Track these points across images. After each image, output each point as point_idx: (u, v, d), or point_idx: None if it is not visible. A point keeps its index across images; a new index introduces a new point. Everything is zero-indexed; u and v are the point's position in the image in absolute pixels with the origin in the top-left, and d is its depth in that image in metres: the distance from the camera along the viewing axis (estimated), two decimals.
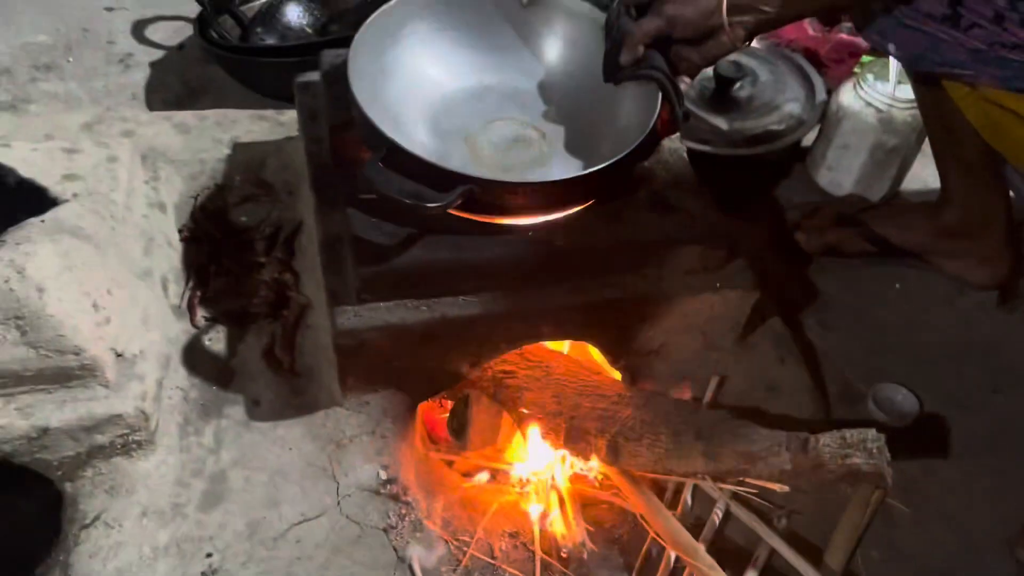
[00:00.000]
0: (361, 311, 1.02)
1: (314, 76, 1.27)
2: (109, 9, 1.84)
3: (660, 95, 1.04)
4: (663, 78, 1.01)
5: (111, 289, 1.01)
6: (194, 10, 1.63)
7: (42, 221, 0.99)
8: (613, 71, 1.05)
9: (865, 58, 1.62)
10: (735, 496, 1.08)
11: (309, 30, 1.71)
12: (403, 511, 1.02)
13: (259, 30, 1.65)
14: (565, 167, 1.13)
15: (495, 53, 1.23)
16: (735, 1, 0.92)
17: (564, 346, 1.22)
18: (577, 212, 1.07)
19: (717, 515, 1.07)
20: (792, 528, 1.08)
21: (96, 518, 0.99)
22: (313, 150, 1.19)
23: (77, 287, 0.96)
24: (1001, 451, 1.22)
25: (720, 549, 1.05)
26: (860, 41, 1.65)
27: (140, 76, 1.69)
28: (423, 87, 1.19)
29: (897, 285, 1.42)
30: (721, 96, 1.58)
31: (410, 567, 0.99)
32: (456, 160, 1.14)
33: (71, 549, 0.97)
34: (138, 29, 1.79)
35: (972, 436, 1.23)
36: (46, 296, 0.92)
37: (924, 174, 1.59)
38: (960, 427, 1.24)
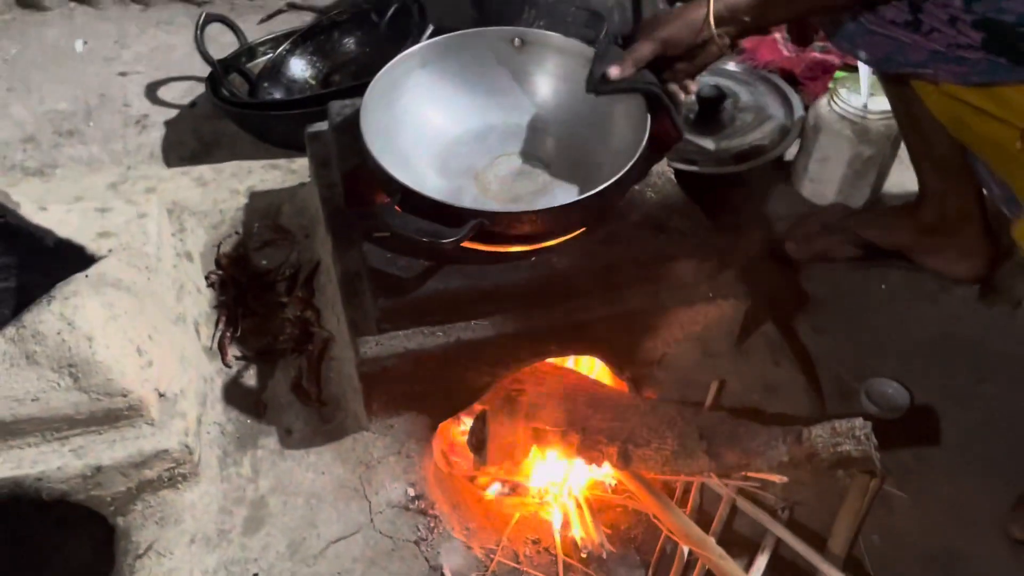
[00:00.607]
0: (382, 340, 1.10)
1: (323, 126, 1.37)
2: (123, 74, 1.95)
3: (649, 116, 1.13)
4: (657, 89, 1.10)
5: (151, 335, 1.09)
6: (202, 70, 1.74)
7: (86, 276, 1.07)
8: (598, 84, 1.13)
9: (838, 74, 1.72)
10: (740, 491, 1.15)
11: (312, 81, 1.82)
12: (432, 524, 1.10)
13: (266, 84, 1.75)
14: (568, 192, 1.22)
15: (494, 95, 1.32)
16: (719, 15, 1.02)
17: (571, 361, 1.29)
18: (577, 236, 1.16)
19: (724, 510, 1.14)
20: (795, 518, 1.14)
21: (148, 548, 1.06)
22: (327, 195, 1.29)
23: (122, 335, 1.04)
24: (989, 438, 1.28)
25: (729, 541, 1.11)
26: (832, 59, 1.75)
27: (156, 135, 1.79)
28: (430, 133, 1.28)
29: (883, 286, 1.50)
30: (705, 118, 1.68)
31: (441, 574, 1.06)
32: (467, 196, 1.22)
33: None
34: (151, 91, 1.90)
35: (961, 425, 1.30)
36: (95, 344, 1.00)
37: (903, 179, 1.67)
38: (950, 417, 1.31)
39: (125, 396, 1.03)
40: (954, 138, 1.24)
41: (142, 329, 1.08)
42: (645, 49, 1.08)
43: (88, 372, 1.00)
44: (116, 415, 1.05)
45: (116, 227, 1.22)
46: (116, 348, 1.02)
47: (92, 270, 1.09)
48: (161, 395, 1.09)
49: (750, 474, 1.08)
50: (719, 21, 1.03)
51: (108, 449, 1.04)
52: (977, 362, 1.39)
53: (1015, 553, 1.15)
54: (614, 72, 1.10)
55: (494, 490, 1.23)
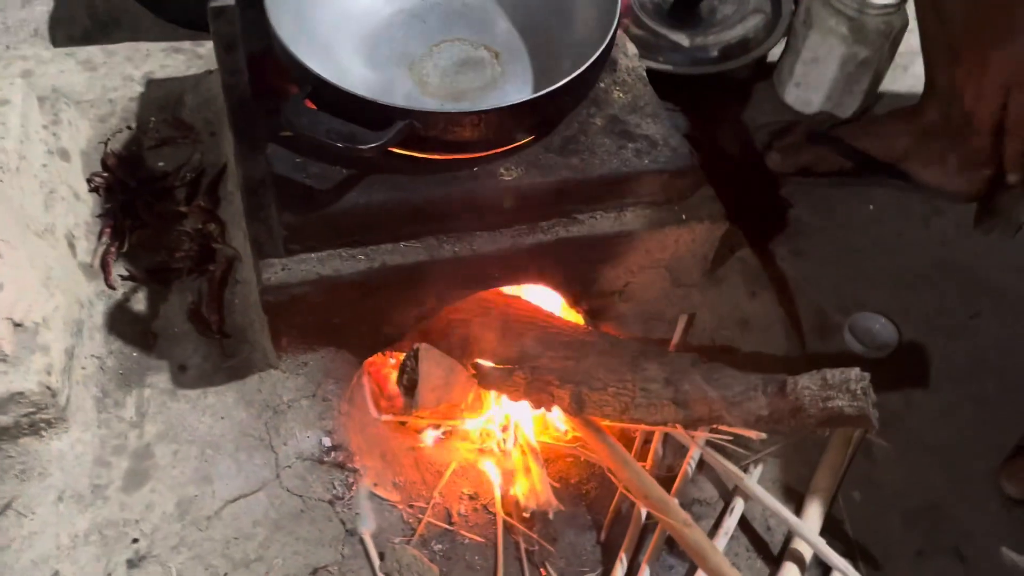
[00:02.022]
0: (290, 263, 0.91)
1: (228, 0, 1.14)
2: None
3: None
4: None
5: (2, 251, 0.89)
6: None
7: None
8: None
9: None
10: (708, 443, 1.00)
11: None
12: (350, 480, 0.94)
13: None
14: (521, 88, 1.03)
15: None
16: None
17: (521, 289, 1.12)
18: (529, 143, 0.97)
19: (690, 465, 1.00)
20: (769, 473, 1.01)
21: (6, 506, 0.89)
22: (230, 83, 1.07)
23: None
24: (983, 377, 1.16)
25: (694, 500, 0.98)
26: None
27: (43, 9, 1.53)
28: (356, 11, 1.08)
29: (870, 207, 1.35)
30: (680, 10, 1.47)
31: (360, 540, 0.90)
32: (399, 91, 1.03)
33: None
34: None
35: (953, 364, 1.17)
36: None
37: (897, 88, 1.50)
38: (940, 355, 1.18)
39: None
40: None
41: None
42: None
43: None
44: None
45: None
46: None
47: None
48: (16, 325, 0.90)
49: (722, 427, 0.94)
50: None
51: None
52: (970, 293, 1.26)
53: (1007, 510, 1.04)
54: None
55: (429, 436, 1.07)
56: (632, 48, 1.12)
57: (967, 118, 1.24)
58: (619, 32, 1.00)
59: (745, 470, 0.99)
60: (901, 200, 1.35)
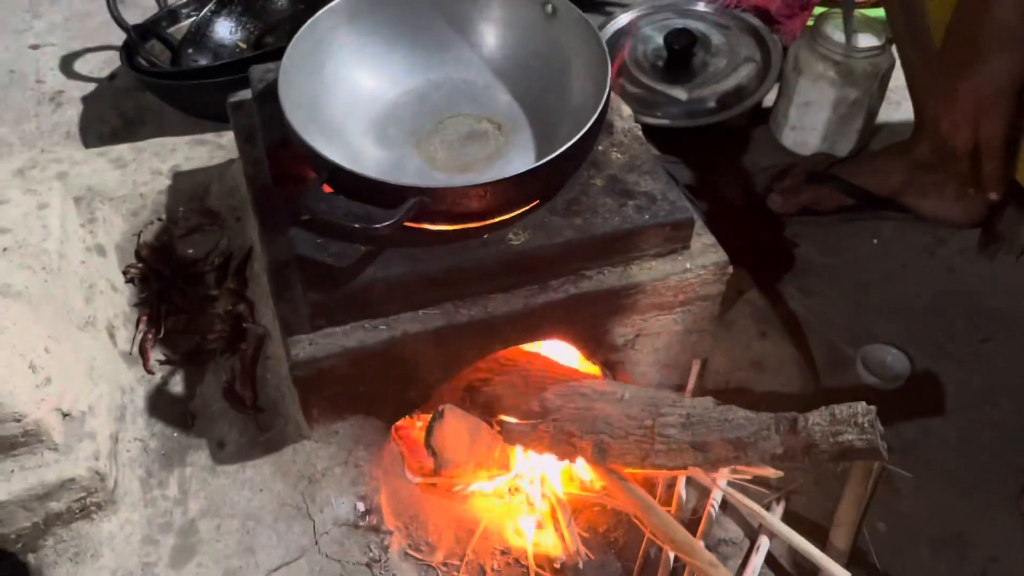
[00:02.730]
0: (316, 338, 0.96)
1: (246, 95, 1.22)
2: (35, 47, 1.77)
3: (610, 66, 1.01)
4: None
5: (49, 347, 0.95)
6: (121, 38, 1.56)
7: None
8: None
9: (817, 10, 1.58)
10: (730, 484, 1.03)
11: (243, 45, 1.65)
12: (385, 542, 0.97)
13: (190, 51, 1.59)
14: (525, 156, 1.08)
15: (435, 50, 1.18)
16: None
17: (540, 346, 1.16)
18: (535, 207, 1.02)
19: (713, 507, 1.02)
20: (792, 510, 1.03)
21: None
22: (252, 172, 1.14)
23: (10, 350, 0.90)
24: (998, 401, 1.18)
25: (720, 541, 1.00)
26: None
27: (73, 113, 1.63)
28: (364, 97, 1.14)
29: (875, 241, 1.38)
30: (675, 65, 1.54)
31: None
32: (410, 168, 1.08)
33: None
34: (66, 64, 1.73)
35: (967, 390, 1.19)
36: None
37: (891, 124, 1.55)
38: (954, 382, 1.20)
39: (18, 421, 0.89)
40: None
41: (36, 341, 0.93)
42: None
43: None
44: (11, 442, 0.90)
45: (12, 222, 1.07)
46: (3, 367, 0.88)
47: None
48: (65, 415, 0.95)
49: (741, 468, 0.96)
50: None
51: (4, 482, 0.90)
52: (979, 319, 1.28)
53: None
54: None
55: (460, 495, 1.10)
56: (627, 109, 1.18)
57: (948, 146, 1.28)
58: (613, 95, 1.05)
59: (768, 508, 1.02)
60: (905, 232, 1.39)
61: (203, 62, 1.59)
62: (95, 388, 1.00)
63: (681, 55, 1.52)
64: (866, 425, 0.87)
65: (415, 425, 1.15)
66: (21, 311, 0.94)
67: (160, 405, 1.09)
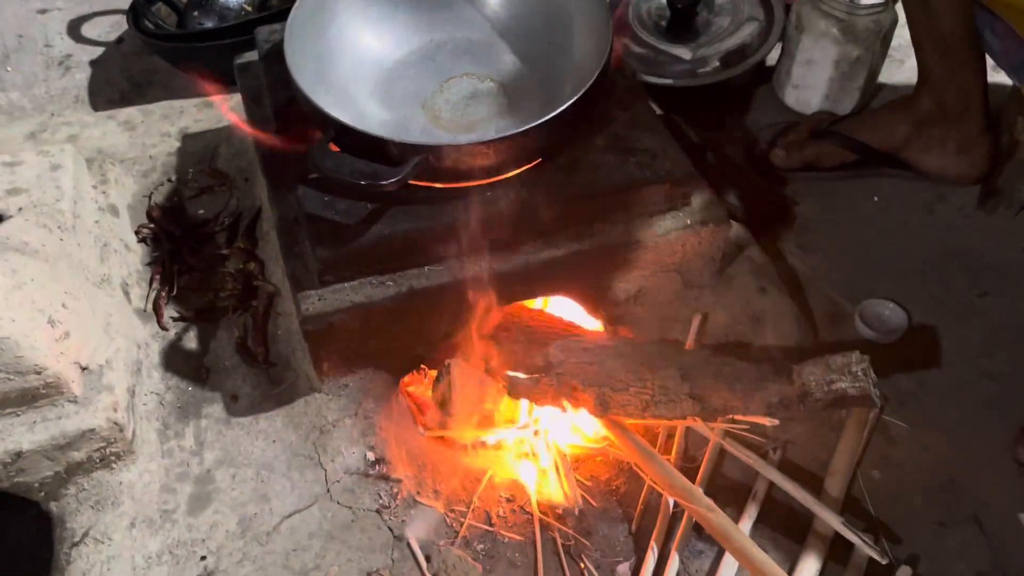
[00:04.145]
0: (325, 294, 0.99)
1: (252, 56, 1.24)
2: (42, 11, 1.78)
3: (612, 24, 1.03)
4: None
5: (66, 302, 0.98)
6: (127, 1, 1.57)
7: None
8: None
9: None
10: (728, 434, 1.06)
11: (248, 7, 1.66)
12: (394, 490, 1.01)
13: (196, 14, 1.60)
14: (528, 114, 1.10)
15: (439, 9, 1.20)
16: None
17: (540, 302, 1.19)
18: (538, 165, 1.04)
19: (711, 456, 1.05)
20: (789, 459, 1.06)
21: (85, 534, 0.97)
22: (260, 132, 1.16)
23: (29, 305, 0.93)
24: (994, 354, 1.20)
25: (717, 488, 1.03)
26: None
27: (82, 77, 1.64)
28: (370, 57, 1.16)
29: (875, 198, 1.40)
30: (679, 25, 1.54)
31: (408, 544, 0.97)
32: (415, 127, 1.10)
33: (64, 568, 0.95)
34: (74, 28, 1.73)
35: (964, 343, 1.21)
36: None
37: (893, 82, 1.55)
38: (951, 335, 1.22)
39: (39, 373, 0.92)
40: (961, 11, 1.14)
41: (54, 297, 0.96)
42: None
43: None
44: (32, 394, 0.94)
45: (27, 182, 1.09)
46: (23, 321, 0.91)
47: None
48: (83, 368, 0.98)
49: (738, 417, 0.99)
50: None
51: (28, 432, 0.94)
52: (977, 274, 1.29)
53: (1023, 479, 1.08)
54: None
55: (466, 446, 1.13)
56: (630, 67, 1.19)
57: (960, 100, 1.29)
58: (615, 54, 1.07)
59: (764, 457, 1.05)
60: (905, 189, 1.40)
61: (209, 24, 1.60)
62: (112, 343, 1.03)
63: (684, 14, 1.52)
64: (859, 373, 0.89)
65: (422, 380, 1.18)
66: (39, 268, 0.96)
67: (175, 360, 1.12)
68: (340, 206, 0.99)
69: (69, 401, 0.96)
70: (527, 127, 0.97)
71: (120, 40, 1.70)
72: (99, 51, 1.68)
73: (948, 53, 1.25)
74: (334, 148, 0.98)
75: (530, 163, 1.04)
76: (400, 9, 1.16)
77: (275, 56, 1.15)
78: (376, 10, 1.15)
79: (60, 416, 0.95)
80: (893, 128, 1.36)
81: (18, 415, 0.95)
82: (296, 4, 1.06)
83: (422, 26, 1.19)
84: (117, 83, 1.62)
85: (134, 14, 1.52)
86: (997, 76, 1.30)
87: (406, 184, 0.94)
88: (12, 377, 0.92)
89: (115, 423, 0.96)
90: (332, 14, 1.11)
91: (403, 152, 0.95)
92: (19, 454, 0.94)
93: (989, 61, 1.26)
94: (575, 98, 0.98)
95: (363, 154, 0.95)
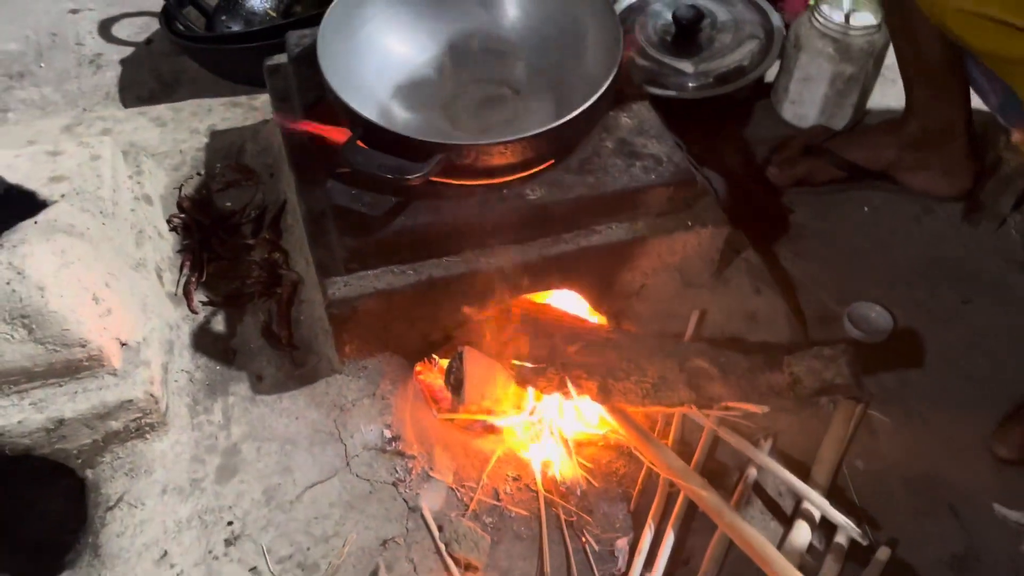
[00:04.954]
0: (350, 280, 1.06)
1: (282, 59, 1.31)
2: (74, 11, 1.86)
3: (622, 36, 1.10)
4: None
5: (109, 282, 1.05)
6: (157, 4, 1.65)
7: (35, 223, 1.02)
8: None
9: None
10: (722, 422, 1.13)
11: (273, 13, 1.74)
12: (409, 465, 1.07)
13: (223, 18, 1.67)
14: (540, 119, 1.17)
15: (460, 19, 1.26)
16: None
17: (548, 296, 1.26)
18: (550, 166, 1.11)
19: (706, 441, 1.12)
20: (778, 447, 1.13)
21: (119, 499, 1.04)
22: (288, 130, 1.23)
23: (76, 282, 1.00)
24: (973, 357, 1.27)
25: (711, 471, 1.10)
26: None
27: (112, 75, 1.71)
28: (394, 62, 1.23)
29: (866, 209, 1.47)
30: (683, 40, 1.61)
31: (421, 515, 1.04)
32: (435, 129, 1.17)
33: (99, 531, 1.02)
34: (105, 28, 1.81)
35: (946, 346, 1.28)
36: (47, 294, 0.96)
37: (886, 100, 1.63)
38: (934, 338, 1.29)
39: (83, 346, 0.99)
40: (946, 47, 1.21)
41: (98, 276, 1.03)
42: None
43: (42, 323, 0.96)
44: (76, 366, 1.01)
45: (68, 171, 1.16)
46: (70, 297, 0.98)
47: (41, 216, 1.05)
48: (123, 344, 1.05)
49: (731, 404, 1.06)
50: None
51: (70, 401, 1.01)
52: (961, 282, 1.37)
53: (999, 473, 1.15)
54: None
55: (475, 428, 1.20)
56: (637, 78, 1.27)
57: (944, 127, 1.36)
58: (624, 64, 1.14)
59: (756, 444, 1.12)
60: (894, 202, 1.48)
61: (235, 28, 1.67)
62: (148, 322, 1.10)
63: (689, 30, 1.60)
64: (844, 364, 0.97)
65: (434, 366, 1.25)
66: (84, 249, 1.03)
67: (204, 341, 1.19)
68: (366, 199, 1.06)
69: (109, 374, 1.03)
70: (542, 130, 1.03)
71: (149, 41, 1.78)
72: (129, 51, 1.76)
73: (933, 83, 1.32)
74: (362, 145, 1.05)
75: (543, 164, 1.11)
76: (424, 17, 1.24)
77: (304, 59, 1.23)
78: (402, 18, 1.22)
79: (101, 387, 1.02)
80: (882, 149, 1.44)
81: (61, 385, 1.02)
82: (328, 10, 1.13)
83: (443, 34, 1.26)
84: (146, 82, 1.70)
85: (166, 16, 1.60)
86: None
87: (428, 180, 1.01)
88: (59, 349, 0.98)
89: (151, 395, 1.03)
90: (362, 20, 1.18)
91: (427, 150, 1.02)
92: (61, 421, 1.00)
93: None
94: (586, 105, 1.05)
95: (389, 151, 1.02)
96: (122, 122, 1.46)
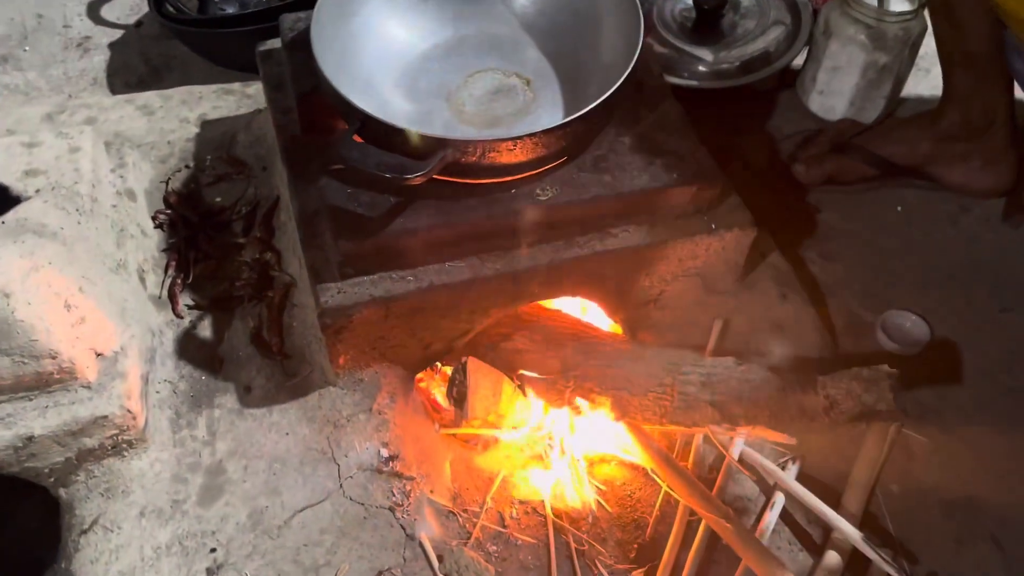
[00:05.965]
0: (345, 287, 0.98)
1: (275, 43, 1.22)
2: None
3: (643, 24, 1.01)
4: None
5: (83, 287, 0.96)
6: None
7: (2, 223, 0.94)
8: None
9: None
10: (746, 443, 1.05)
11: None
12: (408, 488, 1.00)
13: (216, 0, 1.58)
14: (553, 113, 1.09)
15: (466, 2, 1.18)
16: None
17: (560, 303, 1.18)
18: (563, 163, 1.03)
19: (730, 463, 1.04)
20: (806, 470, 1.05)
21: (94, 522, 0.96)
22: (282, 121, 1.15)
23: (46, 288, 0.92)
24: (1015, 370, 1.19)
25: (734, 497, 1.02)
26: None
27: (100, 59, 1.63)
28: (395, 49, 1.14)
29: (899, 208, 1.38)
30: (704, 27, 1.52)
31: (420, 544, 0.96)
32: (438, 121, 1.09)
33: (72, 556, 0.94)
34: (93, 10, 1.72)
35: (985, 358, 1.20)
36: (13, 301, 0.88)
37: (919, 91, 1.53)
38: (972, 349, 1.21)
39: (54, 358, 0.91)
40: (989, 30, 1.13)
41: (71, 281, 0.95)
42: None
43: (7, 332, 0.88)
44: (46, 379, 0.93)
45: (45, 164, 1.08)
46: (39, 304, 0.90)
47: (11, 215, 0.96)
48: (98, 354, 0.97)
49: (758, 432, 0.98)
50: None
51: (40, 417, 0.93)
52: (1000, 288, 1.28)
53: None
54: None
55: (480, 445, 1.12)
56: (657, 68, 1.18)
57: (986, 115, 1.27)
58: (643, 53, 1.05)
59: (783, 467, 1.03)
60: (928, 201, 1.38)
61: (230, 11, 1.58)
62: (127, 329, 1.02)
63: (710, 16, 1.51)
64: (887, 388, 0.88)
65: (435, 377, 1.17)
66: (56, 251, 0.95)
67: (189, 349, 1.11)
68: (363, 198, 0.98)
69: (83, 387, 0.95)
70: (556, 124, 0.95)
71: (139, 23, 1.69)
72: (118, 34, 1.68)
73: (975, 69, 1.24)
74: (359, 140, 0.96)
75: (555, 162, 1.02)
76: (428, 1, 1.15)
77: (299, 44, 1.14)
78: (404, 2, 1.14)
79: (73, 402, 0.94)
80: (916, 143, 1.35)
81: (30, 399, 0.94)
82: None
83: (449, 19, 1.18)
84: (135, 67, 1.61)
85: None
86: None
87: (431, 179, 0.93)
88: (27, 361, 0.90)
89: (128, 411, 0.95)
90: (360, 2, 1.10)
91: (430, 146, 0.93)
92: (30, 439, 0.93)
93: None
94: (603, 97, 0.97)
95: (388, 147, 0.94)
96: (108, 110, 1.38)
